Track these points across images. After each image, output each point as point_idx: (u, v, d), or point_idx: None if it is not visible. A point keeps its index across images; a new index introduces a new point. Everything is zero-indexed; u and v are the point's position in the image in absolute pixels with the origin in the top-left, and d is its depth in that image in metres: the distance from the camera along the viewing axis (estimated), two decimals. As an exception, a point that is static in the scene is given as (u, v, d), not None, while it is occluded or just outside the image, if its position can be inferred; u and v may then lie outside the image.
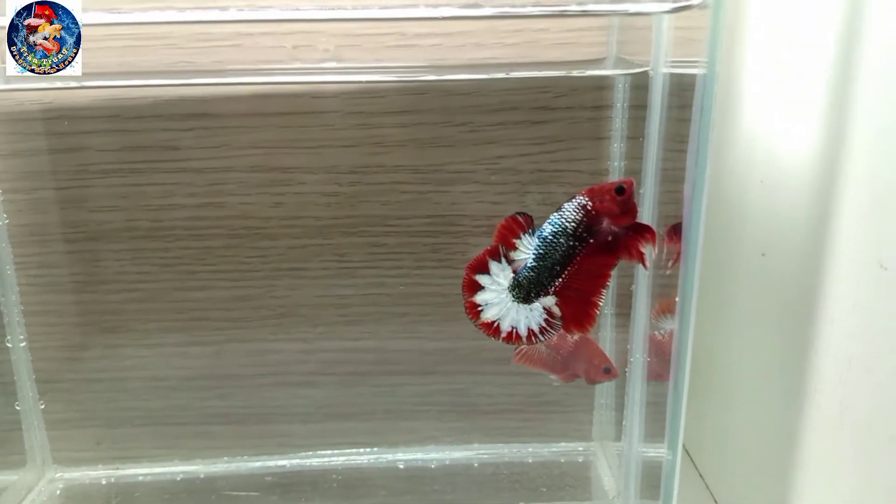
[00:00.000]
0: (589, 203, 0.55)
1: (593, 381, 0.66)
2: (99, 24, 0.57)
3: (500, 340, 0.59)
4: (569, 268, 0.56)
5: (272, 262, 0.77)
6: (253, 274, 0.78)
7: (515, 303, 0.58)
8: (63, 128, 0.73)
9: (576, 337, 0.64)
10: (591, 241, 0.56)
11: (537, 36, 0.72)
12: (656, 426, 0.64)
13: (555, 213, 0.56)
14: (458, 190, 0.76)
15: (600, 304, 0.57)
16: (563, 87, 0.72)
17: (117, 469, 0.83)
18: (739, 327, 0.69)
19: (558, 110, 0.73)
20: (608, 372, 0.65)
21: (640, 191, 0.61)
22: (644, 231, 0.55)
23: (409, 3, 0.60)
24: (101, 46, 0.70)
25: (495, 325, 0.58)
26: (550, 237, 0.56)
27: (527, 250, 0.57)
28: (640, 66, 0.64)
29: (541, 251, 0.56)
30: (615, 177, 0.72)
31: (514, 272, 0.57)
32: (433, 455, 0.83)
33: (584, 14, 0.55)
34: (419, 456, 0.82)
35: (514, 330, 0.58)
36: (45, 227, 0.76)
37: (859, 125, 0.49)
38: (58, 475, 0.82)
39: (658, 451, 0.64)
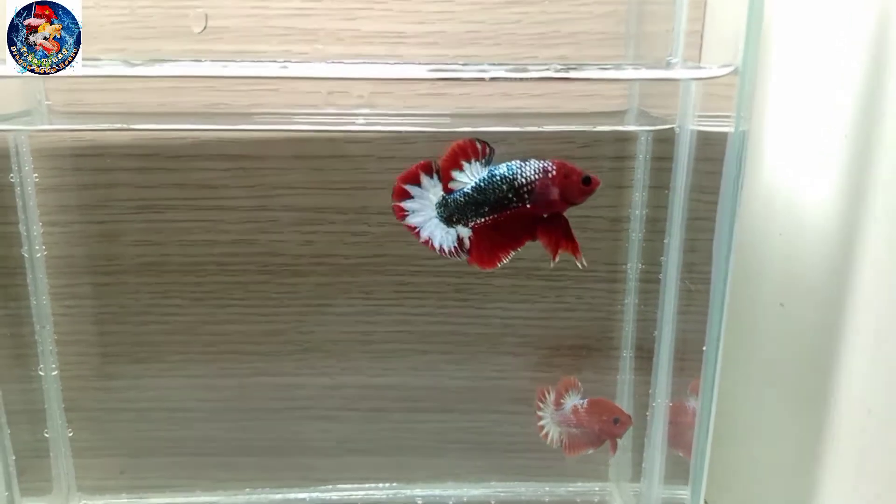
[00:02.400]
0: (552, 171, 0.56)
1: (613, 436, 0.67)
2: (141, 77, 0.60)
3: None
4: (495, 215, 0.57)
5: (301, 298, 0.79)
6: (281, 310, 0.80)
7: (436, 219, 0.59)
8: (103, 164, 0.76)
9: (584, 404, 0.67)
10: (529, 205, 0.57)
11: (562, 88, 0.75)
12: (676, 468, 0.66)
13: (516, 161, 0.57)
14: (482, 233, 0.78)
15: (505, 259, 0.58)
16: (587, 138, 0.75)
17: (140, 498, 0.84)
18: (758, 377, 0.71)
19: (581, 160, 0.75)
20: (618, 422, 0.67)
21: (665, 240, 0.63)
22: (564, 232, 0.57)
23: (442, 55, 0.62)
24: (144, 87, 0.73)
25: (416, 230, 0.60)
26: (497, 178, 0.57)
27: (469, 178, 0.57)
28: (663, 120, 0.67)
29: (481, 185, 0.57)
30: (637, 225, 0.74)
31: (449, 191, 0.58)
32: (451, 492, 0.84)
33: (618, 80, 0.57)
34: (437, 492, 0.84)
35: (430, 241, 0.59)
36: (81, 259, 0.78)
37: (879, 182, 0.51)
38: (82, 503, 0.83)
39: (676, 493, 0.65)
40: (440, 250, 0.59)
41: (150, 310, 0.80)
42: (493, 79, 0.56)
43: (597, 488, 0.84)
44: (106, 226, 0.77)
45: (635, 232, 0.75)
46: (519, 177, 0.56)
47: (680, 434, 0.64)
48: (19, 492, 0.73)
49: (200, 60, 0.60)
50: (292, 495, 0.84)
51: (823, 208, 0.58)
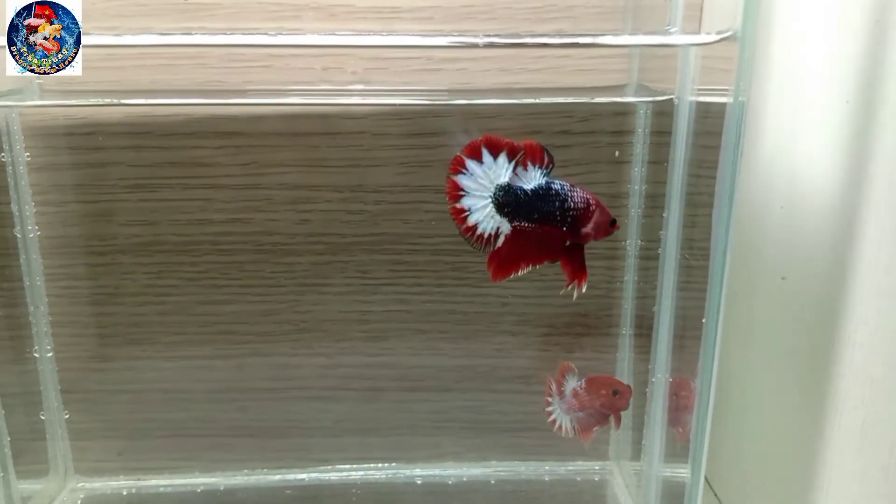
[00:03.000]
0: (593, 206, 0.57)
1: (616, 409, 0.67)
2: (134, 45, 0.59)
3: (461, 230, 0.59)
4: (534, 224, 0.57)
5: (296, 277, 0.79)
6: (277, 289, 0.79)
7: (491, 204, 0.57)
8: (95, 143, 0.75)
9: (583, 384, 0.66)
10: (564, 227, 0.57)
11: (560, 62, 0.74)
12: (677, 446, 0.65)
13: (565, 182, 0.57)
14: (480, 210, 0.77)
15: (519, 271, 0.58)
16: (585, 112, 0.74)
17: (138, 480, 0.83)
18: (759, 351, 0.70)
19: (580, 135, 0.75)
20: (618, 393, 0.66)
21: (664, 214, 0.63)
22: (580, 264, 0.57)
23: (437, 30, 0.62)
24: (136, 65, 0.72)
25: (465, 213, 0.58)
26: (553, 192, 0.57)
27: (528, 180, 0.57)
28: (662, 92, 0.65)
29: (539, 192, 0.56)
30: (636, 200, 0.74)
31: (510, 183, 0.57)
32: (451, 471, 0.83)
33: (616, 45, 0.57)
34: (437, 472, 0.83)
35: (475, 227, 0.58)
36: (75, 239, 0.77)
37: (881, 152, 0.50)
38: (79, 485, 0.83)
39: (677, 472, 0.65)
40: (477, 238, 0.58)
41: (145, 290, 0.79)
42: (487, 45, 0.54)
43: (597, 467, 0.83)
44: (99, 205, 0.77)
45: (634, 208, 0.74)
46: (569, 199, 0.57)
47: (677, 413, 0.63)
48: (16, 474, 0.72)
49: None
50: (291, 476, 0.84)
51: (825, 179, 0.57)
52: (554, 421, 0.67)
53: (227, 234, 0.77)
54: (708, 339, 0.55)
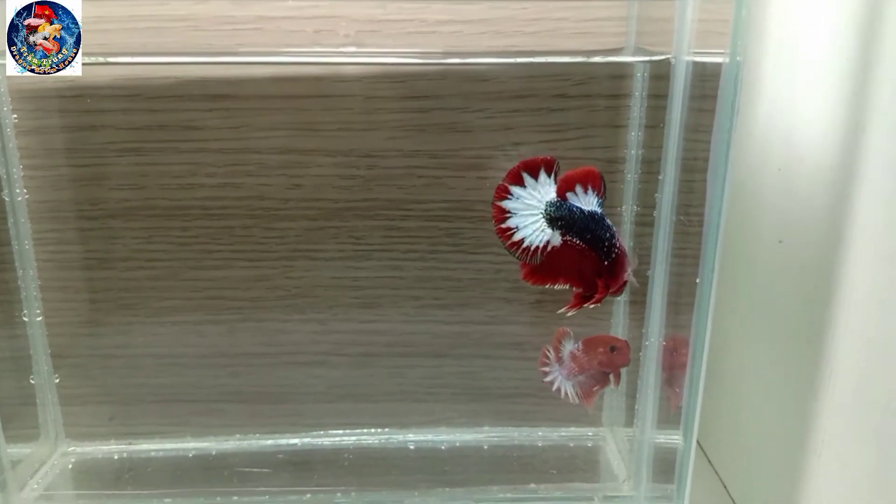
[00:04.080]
0: (626, 265, 0.59)
1: (616, 367, 0.66)
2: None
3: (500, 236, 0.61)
4: (577, 244, 0.59)
5: (289, 243, 0.78)
6: (269, 254, 0.78)
7: (542, 212, 0.59)
8: (84, 105, 0.74)
9: (579, 346, 0.66)
10: (606, 261, 0.59)
11: (556, 25, 0.73)
12: (670, 412, 0.65)
13: (611, 223, 0.59)
14: (474, 175, 0.76)
15: (555, 285, 0.60)
16: (581, 75, 0.73)
17: (130, 444, 0.83)
18: (755, 314, 0.70)
19: (576, 98, 0.74)
20: (615, 349, 0.65)
21: (660, 176, 0.62)
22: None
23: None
24: (126, 27, 0.71)
25: (511, 231, 0.60)
26: (604, 224, 0.59)
27: (577, 203, 0.59)
28: (662, 54, 0.64)
29: (594, 216, 0.59)
30: (633, 166, 0.73)
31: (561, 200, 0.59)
32: (444, 437, 0.84)
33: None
34: (430, 437, 0.83)
35: (521, 241, 0.60)
36: (64, 203, 0.76)
37: (878, 113, 0.50)
38: (70, 449, 0.83)
39: (669, 437, 0.65)
40: (522, 250, 0.60)
41: (135, 255, 0.78)
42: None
43: (590, 433, 0.83)
44: (88, 169, 0.76)
45: (631, 173, 0.73)
46: (616, 238, 0.59)
47: (672, 373, 0.63)
48: (6, 439, 0.72)
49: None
50: (284, 441, 0.84)
51: (823, 139, 0.57)
52: (558, 389, 0.67)
53: (218, 199, 0.76)
54: (702, 302, 0.55)
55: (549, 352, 0.67)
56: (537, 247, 0.60)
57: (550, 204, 0.59)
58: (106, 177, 0.76)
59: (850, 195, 0.52)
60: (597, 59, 0.71)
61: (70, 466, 0.81)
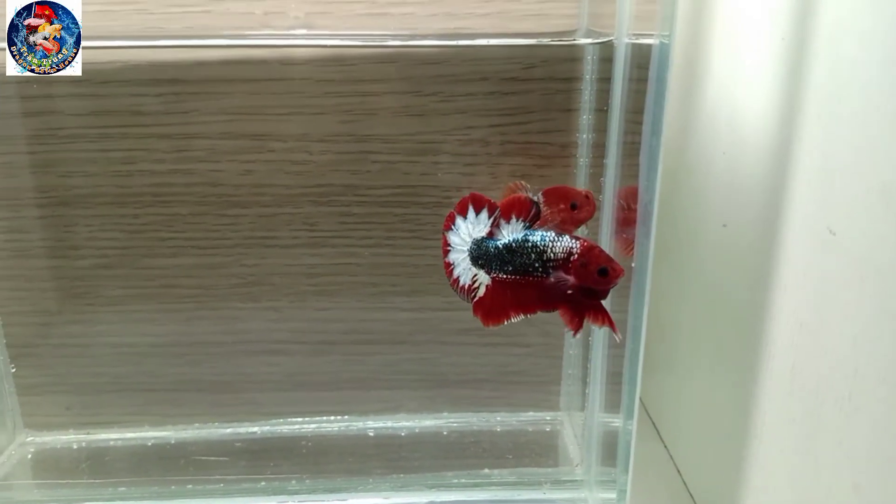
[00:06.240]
0: (575, 255, 0.56)
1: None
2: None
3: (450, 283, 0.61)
4: (515, 276, 0.58)
5: (241, 230, 0.77)
6: (222, 241, 0.78)
7: (468, 252, 0.59)
8: (31, 91, 0.73)
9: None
10: (548, 279, 0.57)
11: (508, 7, 0.72)
12: (620, 396, 0.65)
13: (548, 233, 0.57)
14: (428, 160, 0.76)
15: (511, 319, 0.58)
16: (533, 57, 0.72)
17: (88, 434, 0.83)
18: (701, 298, 0.70)
19: (528, 81, 0.73)
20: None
21: (605, 160, 0.61)
22: (599, 313, 0.56)
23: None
24: (70, 10, 0.70)
25: (451, 267, 0.61)
26: (529, 245, 0.57)
27: (508, 234, 0.58)
28: (608, 37, 0.64)
29: (513, 246, 0.57)
30: (583, 150, 0.72)
31: (490, 235, 0.59)
32: (403, 423, 0.83)
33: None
34: (389, 424, 0.83)
35: (458, 279, 0.60)
36: (15, 191, 0.75)
37: (811, 95, 0.49)
38: (28, 439, 0.82)
39: (618, 420, 0.65)
40: (459, 288, 0.60)
41: (88, 243, 0.78)
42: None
43: (548, 417, 0.83)
44: (37, 156, 0.75)
45: (583, 157, 0.72)
46: (548, 250, 0.56)
47: (625, 226, 0.61)
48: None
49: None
50: (242, 429, 0.83)
51: (762, 120, 0.56)
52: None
53: (169, 185, 0.76)
54: (639, 286, 0.54)
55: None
56: (469, 285, 0.60)
57: (474, 242, 0.59)
58: (55, 164, 0.75)
59: (786, 177, 0.52)
60: (545, 41, 0.70)
61: (29, 456, 0.81)
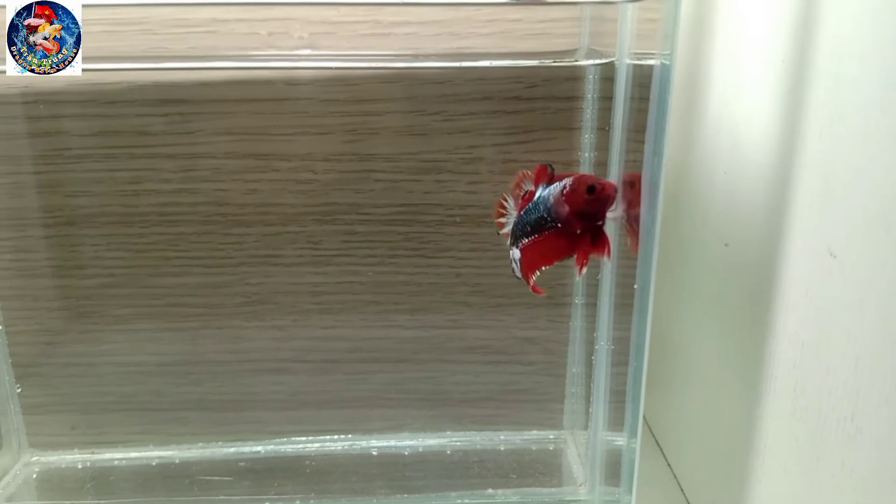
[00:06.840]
0: (567, 188, 0.56)
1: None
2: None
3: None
4: (536, 235, 0.58)
5: (246, 248, 0.78)
6: (227, 261, 0.78)
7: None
8: (38, 112, 0.73)
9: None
10: (560, 224, 0.57)
11: (511, 27, 0.72)
12: (623, 414, 0.65)
13: (550, 187, 0.58)
14: (431, 179, 0.76)
15: (536, 274, 0.59)
16: (535, 77, 0.73)
17: (93, 453, 0.83)
18: (704, 317, 0.70)
19: (531, 101, 0.73)
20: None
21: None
22: (598, 243, 0.56)
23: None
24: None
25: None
26: (537, 200, 0.58)
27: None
28: (609, 57, 0.64)
29: (529, 208, 0.58)
30: (585, 168, 0.73)
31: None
32: (406, 442, 0.83)
33: (553, 3, 0.55)
34: (392, 443, 0.83)
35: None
36: (21, 211, 0.76)
37: (812, 114, 0.49)
38: (34, 459, 0.82)
39: (623, 439, 0.64)
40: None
41: (94, 262, 0.78)
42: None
43: (552, 436, 0.83)
44: (44, 176, 0.75)
45: (586, 175, 0.72)
46: (550, 196, 0.57)
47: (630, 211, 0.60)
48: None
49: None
50: (246, 448, 0.83)
51: (763, 140, 0.56)
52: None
53: (175, 205, 0.76)
54: (642, 304, 0.54)
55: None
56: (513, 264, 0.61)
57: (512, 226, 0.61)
58: (61, 184, 0.75)
59: (786, 194, 0.52)
60: (547, 62, 0.71)
61: (34, 476, 0.81)
